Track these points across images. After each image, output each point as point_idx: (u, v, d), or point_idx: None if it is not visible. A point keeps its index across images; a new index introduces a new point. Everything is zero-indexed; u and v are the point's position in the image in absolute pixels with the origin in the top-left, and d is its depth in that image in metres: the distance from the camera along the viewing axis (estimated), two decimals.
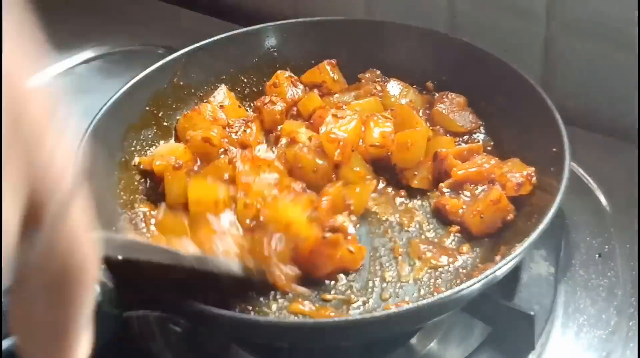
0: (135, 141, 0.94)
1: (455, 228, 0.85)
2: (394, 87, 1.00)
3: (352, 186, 0.87)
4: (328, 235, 0.79)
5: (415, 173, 0.90)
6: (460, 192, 0.86)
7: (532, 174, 0.83)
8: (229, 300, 0.74)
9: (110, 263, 0.70)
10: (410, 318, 0.69)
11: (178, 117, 0.99)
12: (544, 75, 1.09)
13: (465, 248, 0.83)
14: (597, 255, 0.89)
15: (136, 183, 0.91)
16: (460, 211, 0.85)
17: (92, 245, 0.32)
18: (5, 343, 0.59)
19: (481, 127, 0.96)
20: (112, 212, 0.84)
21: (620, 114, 1.05)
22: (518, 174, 0.84)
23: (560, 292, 0.84)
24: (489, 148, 0.93)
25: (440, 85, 1.01)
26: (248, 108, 1.03)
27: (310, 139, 0.91)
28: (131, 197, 0.89)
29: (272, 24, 1.05)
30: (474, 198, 0.85)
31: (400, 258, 0.83)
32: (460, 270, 0.80)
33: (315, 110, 0.96)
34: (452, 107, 0.96)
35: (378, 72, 1.03)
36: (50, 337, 0.32)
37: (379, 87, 1.00)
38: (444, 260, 0.81)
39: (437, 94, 0.99)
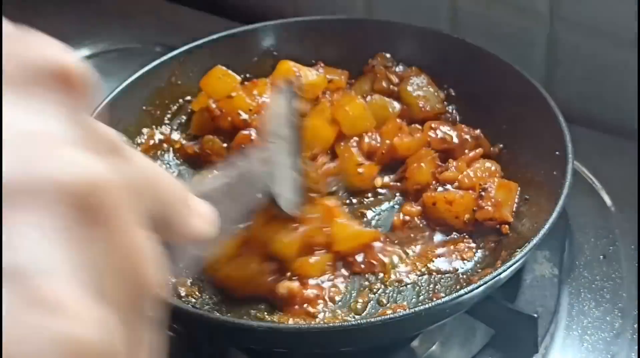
0: (131, 141, 0.93)
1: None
2: (414, 80, 0.98)
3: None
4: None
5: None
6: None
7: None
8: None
9: None
10: (407, 324, 0.69)
11: (174, 118, 0.98)
12: (546, 73, 1.08)
13: (466, 254, 0.82)
14: (601, 256, 0.88)
15: None
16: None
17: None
18: None
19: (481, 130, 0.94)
20: None
21: (625, 112, 1.04)
22: None
23: (563, 294, 0.83)
24: (495, 151, 0.92)
25: (441, 85, 1.00)
26: None
27: None
28: None
29: (272, 22, 1.04)
30: None
31: (399, 262, 0.81)
32: (461, 275, 0.80)
33: None
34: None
35: (388, 55, 1.01)
36: None
37: (395, 80, 0.99)
38: (444, 264, 0.80)
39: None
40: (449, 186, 0.86)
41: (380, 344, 0.77)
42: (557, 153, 0.80)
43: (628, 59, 0.99)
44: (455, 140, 0.91)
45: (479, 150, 0.91)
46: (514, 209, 0.83)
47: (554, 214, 0.72)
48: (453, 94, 0.99)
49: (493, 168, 0.88)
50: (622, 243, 0.89)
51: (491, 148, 0.92)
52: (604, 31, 1.00)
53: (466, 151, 0.91)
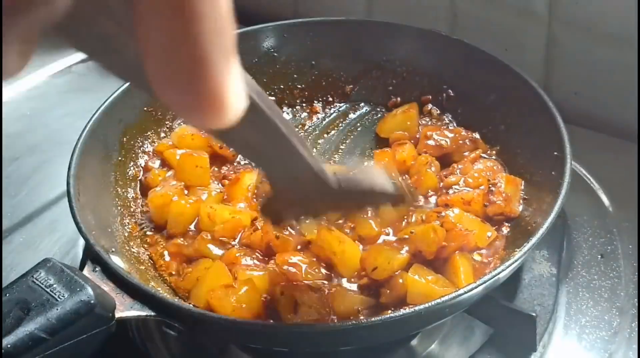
0: (132, 142, 0.93)
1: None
2: None
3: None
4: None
5: None
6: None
7: None
8: None
9: (105, 268, 0.69)
10: (407, 323, 0.69)
11: (175, 119, 0.98)
12: (545, 74, 1.09)
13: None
14: (599, 256, 0.88)
15: (132, 184, 0.91)
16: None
17: None
18: (5, 341, 0.58)
19: (479, 133, 0.95)
20: (107, 213, 0.83)
21: (622, 113, 1.04)
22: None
23: (562, 293, 0.84)
24: (494, 152, 0.93)
25: (440, 86, 1.00)
26: None
27: None
28: (127, 197, 0.88)
29: (271, 24, 1.05)
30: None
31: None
32: None
33: None
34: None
35: None
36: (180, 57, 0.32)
37: None
38: None
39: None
40: (455, 187, 0.87)
41: (381, 343, 0.77)
42: (555, 153, 0.81)
43: (627, 60, 0.99)
44: (450, 144, 0.93)
45: (478, 151, 0.92)
46: (519, 204, 0.84)
47: (553, 214, 0.72)
48: (452, 94, 0.99)
49: (495, 167, 0.89)
50: (620, 242, 0.89)
51: (489, 149, 0.93)
52: (602, 32, 1.01)
53: (465, 153, 0.92)
